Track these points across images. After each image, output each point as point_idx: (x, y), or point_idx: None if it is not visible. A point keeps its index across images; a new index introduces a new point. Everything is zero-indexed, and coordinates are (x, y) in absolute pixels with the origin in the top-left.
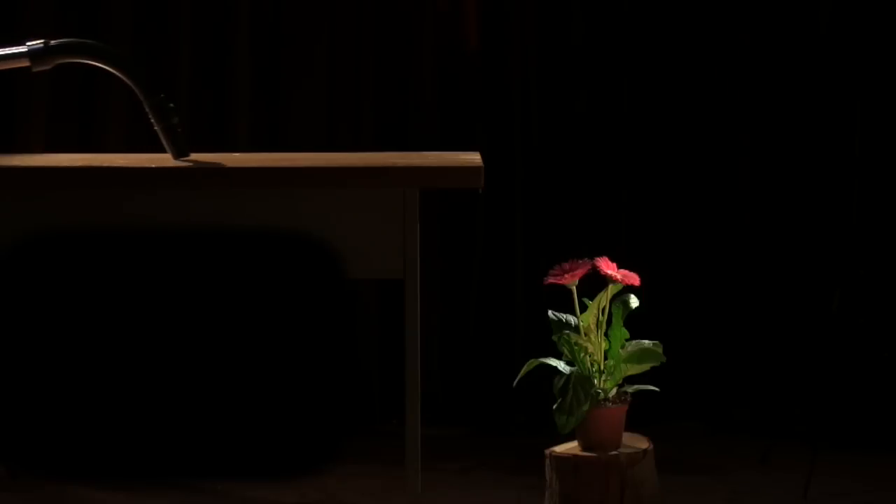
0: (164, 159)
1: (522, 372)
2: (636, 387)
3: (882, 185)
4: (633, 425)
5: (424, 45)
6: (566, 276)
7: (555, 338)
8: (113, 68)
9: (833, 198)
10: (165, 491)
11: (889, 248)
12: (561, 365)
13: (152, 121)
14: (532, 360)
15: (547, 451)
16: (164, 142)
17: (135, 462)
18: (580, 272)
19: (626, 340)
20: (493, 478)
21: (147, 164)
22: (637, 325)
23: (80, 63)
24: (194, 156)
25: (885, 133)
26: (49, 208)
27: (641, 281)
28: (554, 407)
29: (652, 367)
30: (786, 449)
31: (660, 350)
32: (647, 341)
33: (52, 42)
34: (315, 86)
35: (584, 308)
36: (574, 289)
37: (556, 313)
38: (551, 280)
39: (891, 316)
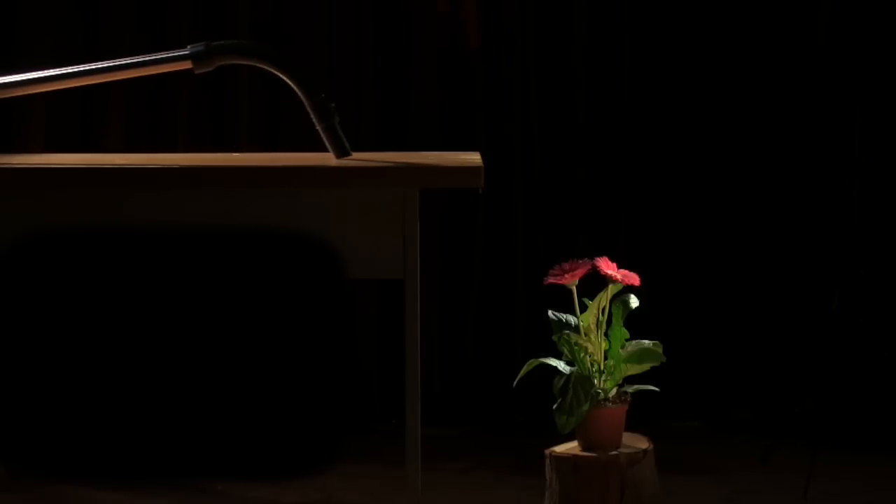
0: (164, 159)
1: (522, 372)
2: (636, 387)
3: (882, 185)
4: (633, 425)
5: (424, 45)
6: (566, 276)
7: (555, 338)
8: (275, 69)
9: (833, 198)
10: (165, 491)
11: (889, 248)
12: (561, 365)
13: (314, 121)
14: (532, 360)
15: (547, 451)
16: (325, 141)
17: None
18: (580, 272)
19: (626, 340)
20: (493, 478)
21: (147, 164)
22: (637, 325)
23: (240, 64)
24: (197, 156)
25: (885, 133)
26: (49, 208)
27: (641, 281)
28: (554, 407)
29: (652, 367)
30: (786, 449)
31: (660, 350)
32: (647, 341)
33: (214, 43)
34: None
35: (584, 308)
36: (574, 289)
37: (556, 313)
38: (551, 280)
39: (891, 316)
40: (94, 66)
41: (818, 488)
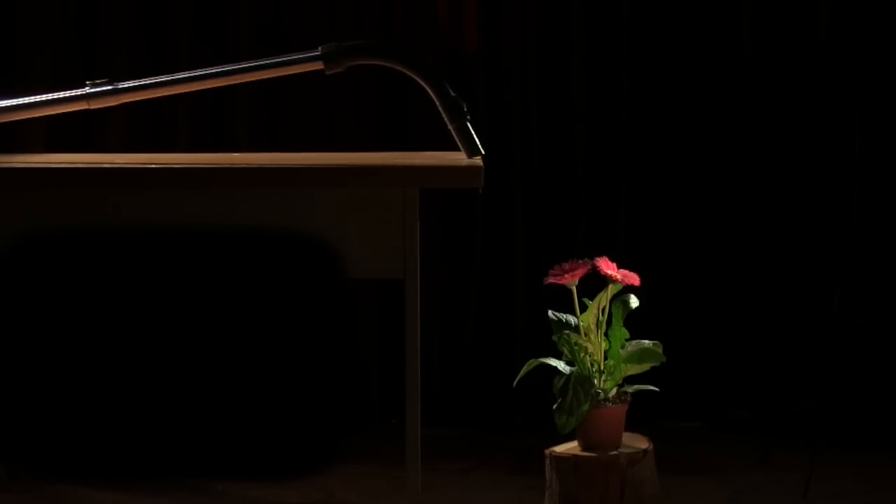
0: (164, 159)
1: (522, 372)
2: (636, 387)
3: (882, 185)
4: (633, 425)
5: (425, 47)
6: (566, 276)
7: (555, 338)
8: (406, 70)
9: (833, 198)
10: (165, 491)
11: (889, 248)
12: (561, 365)
13: (445, 120)
14: (532, 360)
15: (547, 451)
16: (457, 140)
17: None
18: (580, 272)
19: (626, 340)
20: (493, 478)
21: (147, 164)
22: (637, 325)
23: (371, 65)
24: (197, 156)
25: (885, 133)
26: (49, 208)
27: (641, 281)
28: (554, 407)
29: (652, 367)
30: (786, 449)
31: (660, 350)
32: (647, 341)
33: (345, 44)
34: (315, 86)
35: (584, 308)
36: (574, 289)
37: (556, 313)
38: (551, 280)
39: (891, 316)
40: (224, 69)
41: (818, 488)
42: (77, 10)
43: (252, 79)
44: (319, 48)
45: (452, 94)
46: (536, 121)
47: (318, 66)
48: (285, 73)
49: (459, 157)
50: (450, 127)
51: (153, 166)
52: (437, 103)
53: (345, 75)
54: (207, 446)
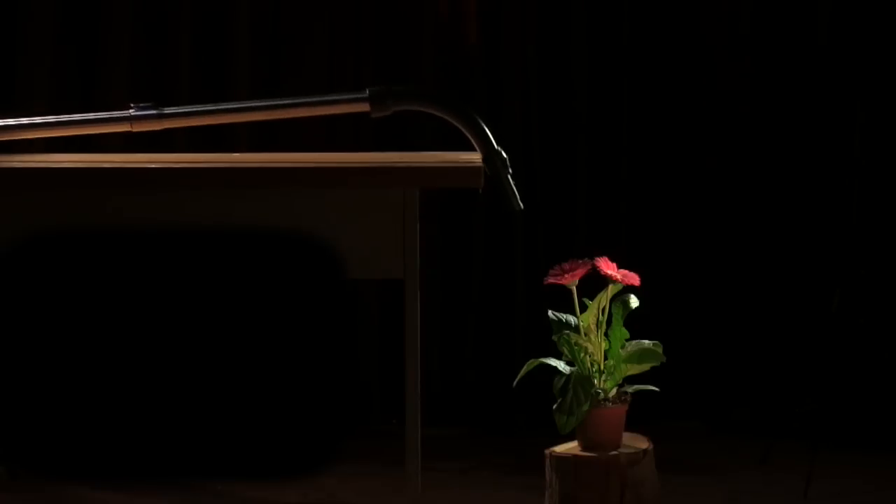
0: (164, 159)
1: (522, 372)
2: (636, 387)
3: (882, 185)
4: (633, 425)
5: (424, 45)
6: (566, 276)
7: (555, 338)
8: (453, 118)
9: (833, 198)
10: (165, 491)
11: (889, 248)
12: (561, 365)
13: (487, 171)
14: (532, 360)
15: (547, 451)
16: (499, 192)
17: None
18: (580, 272)
19: (626, 340)
20: (493, 478)
21: (147, 164)
22: (637, 325)
23: (414, 110)
24: (197, 156)
25: (885, 133)
26: (49, 208)
27: (641, 281)
28: (554, 407)
29: (652, 367)
30: (786, 449)
31: (660, 350)
32: (647, 341)
33: (394, 88)
34: (315, 85)
35: (584, 308)
36: (574, 289)
37: (556, 313)
38: (551, 280)
39: (891, 316)
40: (271, 103)
41: (818, 488)
42: (76, 23)
43: (298, 115)
44: (367, 90)
45: (497, 147)
46: (536, 120)
47: (365, 107)
48: (331, 112)
49: (459, 157)
50: (492, 178)
51: (153, 166)
52: (480, 154)
53: (345, 76)
54: (207, 446)
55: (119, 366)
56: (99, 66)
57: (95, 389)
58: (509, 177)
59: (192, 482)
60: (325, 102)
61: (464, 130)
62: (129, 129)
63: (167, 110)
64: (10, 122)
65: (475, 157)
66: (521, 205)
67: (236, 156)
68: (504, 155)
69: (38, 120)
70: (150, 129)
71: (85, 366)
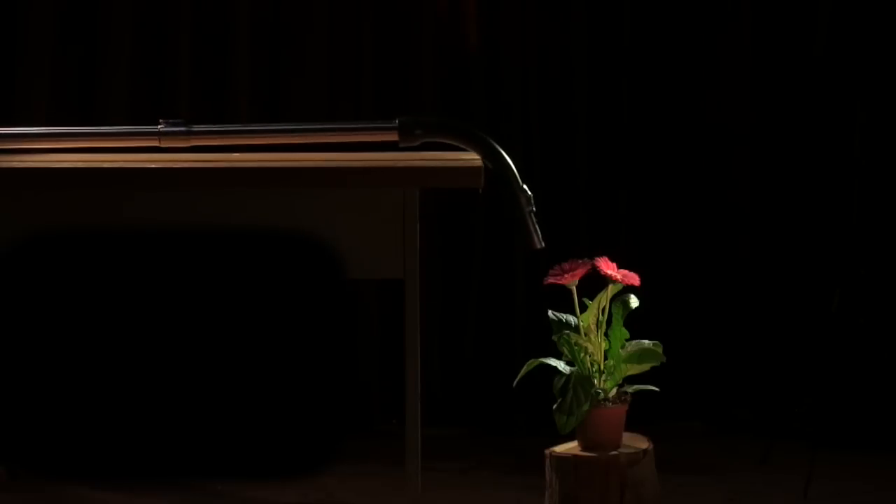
0: (164, 159)
1: (522, 372)
2: (636, 387)
3: (882, 185)
4: (633, 425)
5: (424, 45)
6: (566, 276)
7: (555, 338)
8: (479, 153)
9: (833, 198)
10: (165, 491)
11: (889, 248)
12: (561, 365)
13: (510, 207)
14: (532, 360)
15: (547, 451)
16: (521, 229)
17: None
18: (580, 272)
19: (626, 340)
20: (493, 478)
21: (147, 164)
22: (637, 325)
23: (441, 141)
24: (197, 156)
25: (885, 133)
26: (49, 208)
27: (641, 281)
28: (554, 407)
29: (652, 367)
30: (786, 449)
31: (660, 350)
32: (647, 341)
33: (422, 119)
34: (315, 85)
35: (584, 308)
36: (574, 289)
37: (556, 313)
38: (551, 280)
39: (891, 316)
40: (298, 126)
41: (818, 488)
42: (76, 27)
43: (325, 140)
44: (397, 120)
45: (521, 184)
46: (536, 120)
47: (393, 136)
48: (359, 139)
49: (459, 157)
50: (515, 215)
51: (153, 166)
52: (505, 191)
53: (345, 74)
54: (207, 446)
55: (119, 366)
56: (99, 69)
57: (95, 389)
58: (532, 214)
59: (192, 482)
60: (354, 129)
61: (489, 165)
62: (158, 143)
63: (196, 127)
64: (35, 130)
65: (475, 157)
66: (543, 243)
67: (236, 156)
68: (529, 193)
69: (63, 130)
70: (178, 145)
71: (85, 366)
